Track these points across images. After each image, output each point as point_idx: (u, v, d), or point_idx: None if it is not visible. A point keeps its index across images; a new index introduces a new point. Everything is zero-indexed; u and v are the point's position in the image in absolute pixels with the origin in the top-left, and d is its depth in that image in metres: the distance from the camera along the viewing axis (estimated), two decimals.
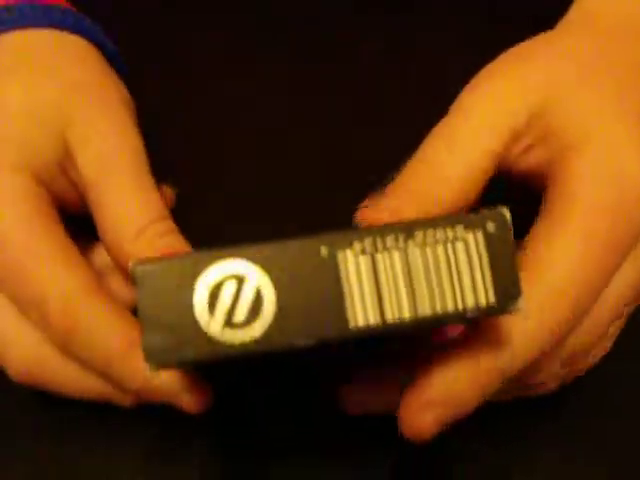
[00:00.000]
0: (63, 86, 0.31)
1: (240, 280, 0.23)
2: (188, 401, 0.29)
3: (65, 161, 0.31)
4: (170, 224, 0.30)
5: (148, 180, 0.31)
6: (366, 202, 0.28)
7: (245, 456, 0.34)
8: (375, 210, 0.27)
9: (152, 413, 0.32)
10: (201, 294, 0.23)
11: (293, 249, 0.23)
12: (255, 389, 0.35)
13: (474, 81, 0.30)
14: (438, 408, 0.26)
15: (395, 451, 0.34)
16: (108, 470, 0.33)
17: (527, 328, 0.27)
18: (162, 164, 0.33)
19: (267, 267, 0.23)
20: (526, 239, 0.29)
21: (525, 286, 0.25)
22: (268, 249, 0.23)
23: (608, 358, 0.32)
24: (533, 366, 0.28)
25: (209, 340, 0.23)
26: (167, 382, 0.29)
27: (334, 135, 0.40)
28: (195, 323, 0.23)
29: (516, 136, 0.29)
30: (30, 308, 0.29)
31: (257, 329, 0.23)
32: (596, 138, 0.28)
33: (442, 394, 0.26)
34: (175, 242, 0.29)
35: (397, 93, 0.42)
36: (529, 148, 0.29)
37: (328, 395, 0.32)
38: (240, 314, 0.23)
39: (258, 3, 0.44)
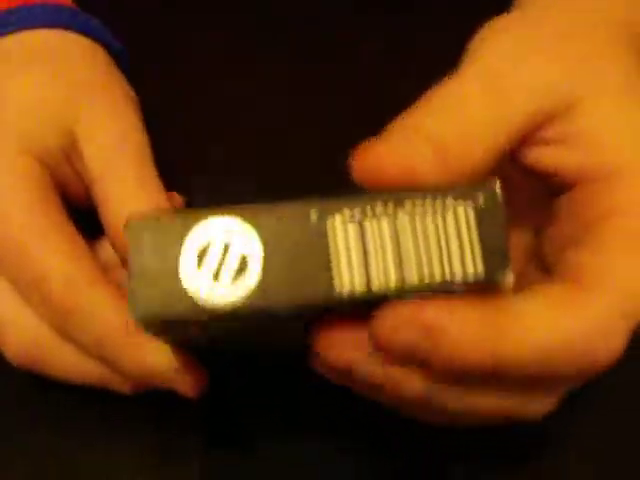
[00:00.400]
0: (71, 84, 0.32)
1: (229, 239, 0.23)
2: (184, 384, 0.30)
3: (72, 154, 0.32)
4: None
5: (152, 174, 0.32)
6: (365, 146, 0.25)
7: (239, 449, 0.34)
8: (374, 157, 0.24)
9: (151, 408, 0.32)
10: (190, 251, 0.23)
11: (283, 211, 0.23)
12: (240, 379, 0.35)
13: (507, 47, 0.27)
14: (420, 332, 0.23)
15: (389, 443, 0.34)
16: (107, 465, 0.33)
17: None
18: (162, 164, 0.33)
19: (256, 227, 0.23)
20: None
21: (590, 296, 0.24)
22: (258, 209, 0.23)
23: None
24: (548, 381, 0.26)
25: (193, 297, 0.23)
26: (163, 364, 0.29)
27: (334, 135, 0.40)
28: (181, 280, 0.23)
29: (547, 117, 0.26)
30: (30, 288, 0.29)
31: (243, 289, 0.23)
32: None
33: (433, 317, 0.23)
34: None
35: (397, 93, 0.42)
36: (553, 141, 0.27)
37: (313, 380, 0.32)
38: (227, 274, 0.23)
39: (258, 3, 0.44)
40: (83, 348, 0.30)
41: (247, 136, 0.40)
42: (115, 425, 0.34)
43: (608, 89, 0.27)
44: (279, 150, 0.40)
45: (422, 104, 0.26)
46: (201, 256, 0.23)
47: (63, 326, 0.29)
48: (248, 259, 0.23)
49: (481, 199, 0.24)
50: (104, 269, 0.31)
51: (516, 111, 0.26)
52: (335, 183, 0.39)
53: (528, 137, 0.27)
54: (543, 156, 0.27)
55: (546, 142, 0.27)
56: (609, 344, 0.24)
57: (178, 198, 0.36)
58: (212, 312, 0.23)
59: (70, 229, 0.30)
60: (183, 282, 0.23)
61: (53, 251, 0.29)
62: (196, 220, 0.23)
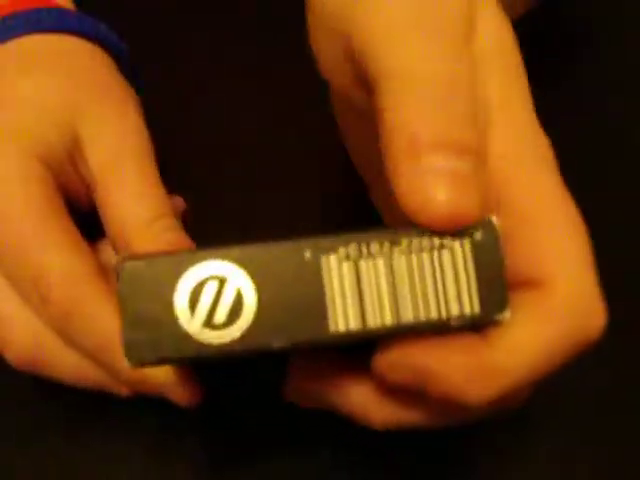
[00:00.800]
0: (74, 87, 0.32)
1: (222, 281, 0.23)
2: (179, 394, 0.30)
3: (75, 155, 0.32)
4: (173, 221, 0.31)
5: (154, 177, 0.32)
6: None
7: (238, 451, 0.34)
8: None
9: (151, 410, 0.32)
10: (183, 293, 0.23)
11: (276, 252, 0.23)
12: (238, 386, 0.35)
13: None
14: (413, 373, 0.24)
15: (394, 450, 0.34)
16: (107, 466, 0.33)
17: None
18: (162, 164, 0.33)
19: (249, 269, 0.23)
20: None
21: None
22: (251, 251, 0.23)
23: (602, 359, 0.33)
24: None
25: (188, 340, 0.23)
26: (159, 375, 0.29)
27: (334, 135, 0.40)
28: (175, 322, 0.23)
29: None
30: (30, 288, 0.29)
31: (236, 330, 0.23)
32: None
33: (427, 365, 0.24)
34: (178, 238, 0.30)
35: None
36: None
37: None
38: (220, 315, 0.23)
39: (258, 3, 0.44)
40: (81, 351, 0.30)
41: (247, 136, 0.40)
42: (115, 426, 0.34)
43: None
44: (279, 150, 0.40)
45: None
46: (194, 299, 0.23)
47: (62, 329, 0.29)
48: (242, 300, 0.23)
49: (479, 236, 0.23)
50: (105, 271, 0.31)
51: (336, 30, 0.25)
52: (334, 178, 0.40)
53: None
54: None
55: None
56: (594, 322, 0.25)
57: (179, 201, 0.36)
58: (206, 353, 0.23)
59: (72, 229, 0.30)
60: (177, 325, 0.23)
61: (53, 250, 0.29)
62: (188, 264, 0.23)
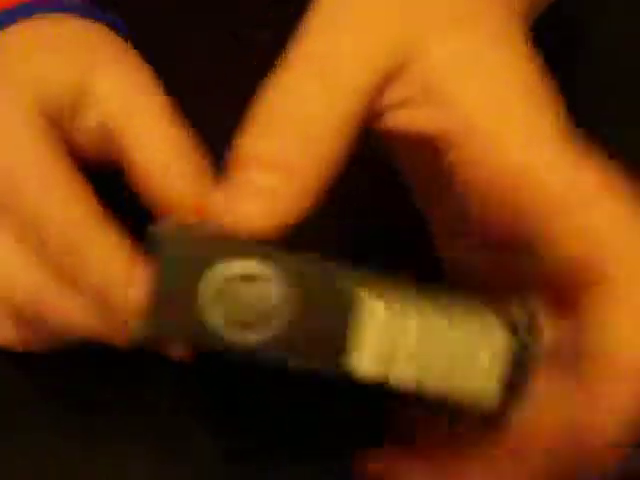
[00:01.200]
0: (96, 38, 0.33)
1: (255, 281, 0.22)
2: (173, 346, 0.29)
3: (85, 107, 0.31)
4: (200, 161, 0.31)
5: (179, 121, 0.32)
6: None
7: (239, 454, 0.34)
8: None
9: (152, 410, 0.32)
10: (213, 283, 0.22)
11: (318, 269, 0.22)
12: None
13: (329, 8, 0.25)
14: None
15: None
16: (107, 466, 0.33)
17: None
18: None
19: (286, 278, 0.22)
20: None
21: None
22: (292, 260, 0.22)
23: None
24: None
25: (203, 328, 0.22)
26: None
27: None
28: (200, 310, 0.22)
29: (387, 78, 0.24)
30: (30, 228, 0.29)
31: (257, 334, 0.22)
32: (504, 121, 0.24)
33: None
34: (202, 183, 0.30)
35: None
36: (401, 104, 0.25)
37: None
38: (245, 314, 0.22)
39: (258, 3, 0.44)
40: (80, 292, 0.29)
41: None
42: (116, 426, 0.34)
43: (440, 28, 0.25)
44: None
45: (257, 121, 0.26)
46: (221, 292, 0.22)
47: (60, 267, 0.29)
48: (270, 307, 0.22)
49: (524, 336, 0.22)
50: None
51: (348, 88, 0.24)
52: (334, 178, 0.39)
53: (376, 106, 0.24)
54: (398, 121, 0.25)
55: (396, 106, 0.25)
56: None
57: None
58: (222, 347, 0.22)
59: (74, 174, 0.30)
60: (198, 311, 0.22)
61: (55, 195, 0.29)
62: (227, 254, 0.22)
